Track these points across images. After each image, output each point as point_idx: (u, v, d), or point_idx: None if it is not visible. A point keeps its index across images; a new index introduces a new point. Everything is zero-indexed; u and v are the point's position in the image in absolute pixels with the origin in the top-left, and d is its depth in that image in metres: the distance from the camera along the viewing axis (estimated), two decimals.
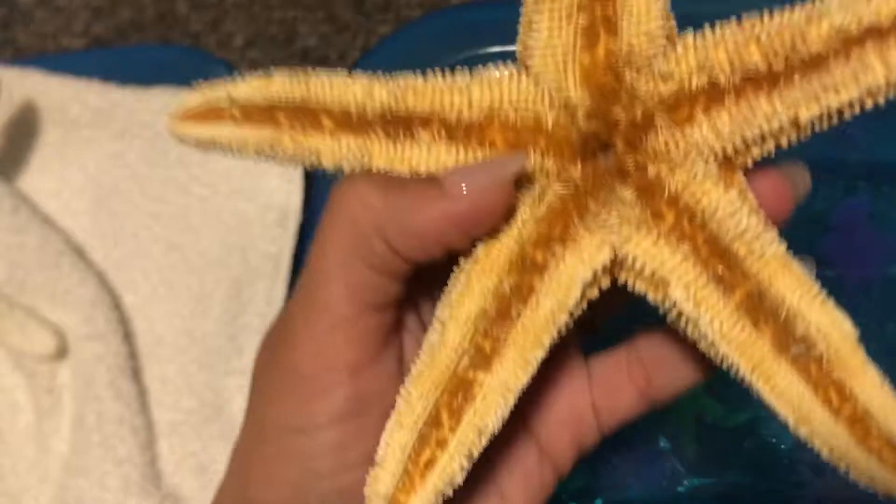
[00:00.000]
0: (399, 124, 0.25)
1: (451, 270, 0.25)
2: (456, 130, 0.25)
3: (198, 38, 0.60)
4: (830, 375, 0.22)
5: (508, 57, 0.49)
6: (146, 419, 0.44)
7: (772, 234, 0.24)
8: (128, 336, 0.45)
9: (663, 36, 0.25)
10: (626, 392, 0.28)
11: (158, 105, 0.49)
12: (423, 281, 0.26)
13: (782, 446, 0.43)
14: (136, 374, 0.45)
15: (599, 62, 0.25)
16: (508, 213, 0.25)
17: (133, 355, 0.45)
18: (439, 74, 0.26)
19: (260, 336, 0.45)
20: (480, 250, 0.25)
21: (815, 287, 0.23)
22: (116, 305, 0.46)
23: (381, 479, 0.23)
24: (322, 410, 0.23)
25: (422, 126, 0.25)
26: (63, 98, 0.50)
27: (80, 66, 0.52)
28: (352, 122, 0.25)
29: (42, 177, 0.50)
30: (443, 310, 0.24)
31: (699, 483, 0.43)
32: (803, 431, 0.23)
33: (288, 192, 0.47)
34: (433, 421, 0.23)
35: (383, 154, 0.25)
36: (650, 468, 0.44)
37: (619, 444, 0.41)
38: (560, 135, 0.25)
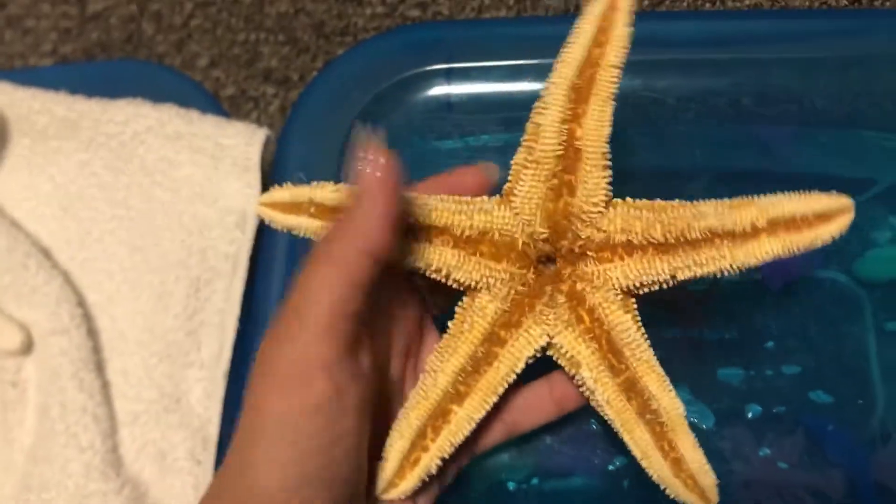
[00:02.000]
0: (422, 233, 0.36)
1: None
2: (458, 241, 0.37)
3: (163, 58, 0.62)
4: (666, 435, 0.36)
5: (452, 74, 0.52)
6: (108, 409, 0.45)
7: (647, 345, 0.37)
8: (91, 332, 0.47)
9: (604, 203, 0.37)
10: (496, 429, 0.41)
11: (123, 116, 0.51)
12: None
13: (708, 434, 0.46)
14: (99, 367, 0.46)
15: (559, 211, 0.37)
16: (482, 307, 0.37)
17: (96, 349, 0.47)
18: (453, 200, 0.37)
19: (218, 331, 0.48)
20: (465, 326, 0.37)
21: (667, 382, 0.37)
22: (81, 303, 0.47)
23: (386, 469, 0.37)
24: (308, 399, 0.30)
25: (437, 236, 0.37)
26: (31, 109, 0.52)
27: (49, 81, 0.54)
28: None
29: (10, 185, 0.51)
30: (435, 363, 0.37)
31: (629, 462, 0.45)
32: (644, 464, 0.37)
33: (247, 196, 0.49)
34: (421, 434, 0.37)
35: (410, 254, 0.36)
36: (583, 448, 0.46)
37: (554, 426, 0.44)
38: (524, 251, 0.37)
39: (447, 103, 0.53)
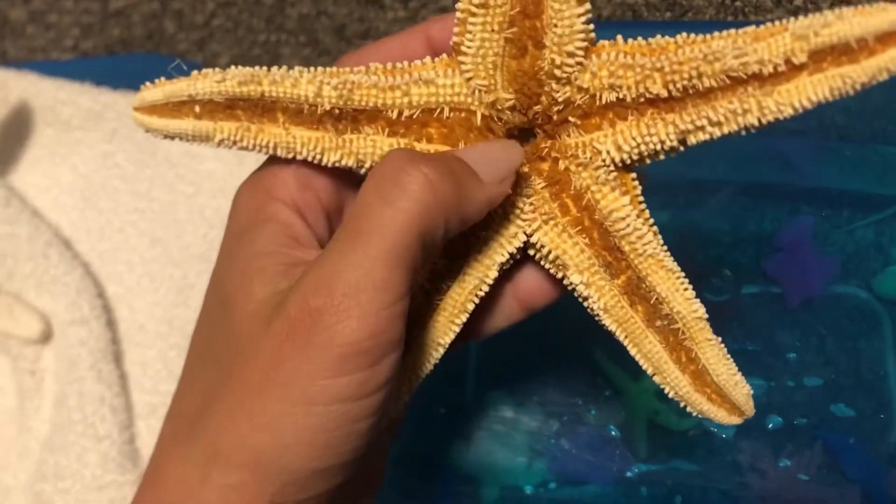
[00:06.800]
0: (347, 120, 0.28)
1: None
2: (397, 126, 0.28)
3: (184, 56, 0.62)
4: (682, 343, 0.29)
5: None
6: (126, 401, 0.45)
7: (651, 235, 0.28)
8: (111, 323, 0.47)
9: (582, 53, 0.27)
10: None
11: None
12: None
13: (727, 445, 0.46)
14: (117, 358, 0.46)
15: (526, 70, 0.28)
16: None
17: (115, 341, 0.47)
18: (380, 71, 0.28)
19: None
20: None
21: (681, 279, 0.29)
22: (101, 294, 0.47)
23: None
24: (376, 380, 0.24)
25: (367, 122, 0.28)
26: (56, 100, 0.52)
27: (74, 73, 0.54)
28: (304, 117, 0.28)
29: (34, 174, 0.52)
30: None
31: (647, 469, 0.45)
32: (657, 379, 0.30)
33: None
34: None
35: (333, 147, 0.28)
36: (601, 454, 0.46)
37: (571, 432, 0.44)
38: (487, 126, 0.29)
39: None
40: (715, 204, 0.52)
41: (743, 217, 0.52)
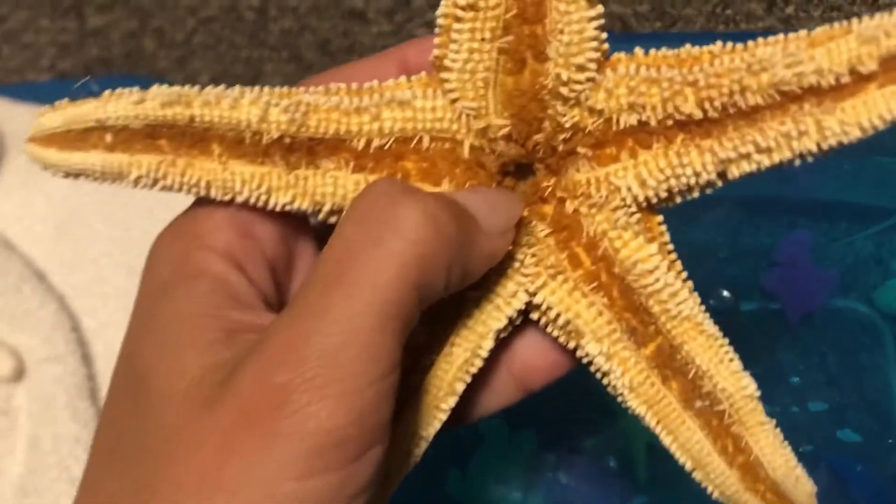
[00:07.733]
0: (301, 151, 0.23)
1: None
2: (364, 159, 0.23)
3: (164, 75, 0.61)
4: (729, 429, 0.24)
5: None
6: None
7: (687, 292, 0.23)
8: (86, 358, 0.46)
9: (594, 66, 0.23)
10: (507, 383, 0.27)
11: None
12: None
13: None
14: (93, 395, 0.45)
15: (524, 89, 0.23)
16: None
17: (90, 377, 0.45)
18: (343, 91, 0.23)
19: None
20: None
21: (724, 348, 0.24)
22: (75, 328, 0.46)
23: None
24: (357, 481, 0.19)
25: (327, 154, 0.23)
26: (29, 125, 0.51)
27: (48, 96, 0.53)
28: (245, 148, 0.23)
29: (6, 203, 0.50)
30: None
31: (648, 500, 0.44)
32: (698, 475, 0.24)
33: None
34: None
35: (283, 186, 0.23)
36: (600, 486, 0.45)
37: (569, 464, 0.43)
38: (477, 160, 0.24)
39: None
40: (711, 219, 0.51)
41: (740, 232, 0.51)
